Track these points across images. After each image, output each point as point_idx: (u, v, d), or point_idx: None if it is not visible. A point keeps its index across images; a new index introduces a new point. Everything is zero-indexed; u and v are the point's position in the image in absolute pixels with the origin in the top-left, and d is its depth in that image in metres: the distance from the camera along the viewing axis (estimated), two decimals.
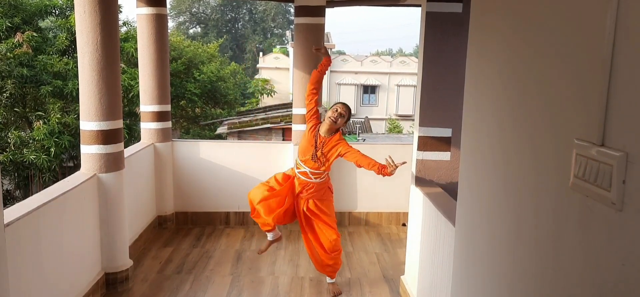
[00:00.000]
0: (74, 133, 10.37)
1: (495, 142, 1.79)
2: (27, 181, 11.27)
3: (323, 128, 3.91)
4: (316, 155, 3.88)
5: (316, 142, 3.89)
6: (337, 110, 3.86)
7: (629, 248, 1.04)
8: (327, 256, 4.09)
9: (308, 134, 3.96)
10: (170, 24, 40.12)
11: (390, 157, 3.69)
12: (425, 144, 3.71)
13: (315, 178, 3.98)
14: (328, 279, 4.27)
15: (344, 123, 3.89)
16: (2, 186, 11.38)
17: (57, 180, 5.54)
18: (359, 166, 3.80)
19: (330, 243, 4.05)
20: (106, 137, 3.91)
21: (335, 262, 4.16)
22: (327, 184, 4.12)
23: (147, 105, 5.43)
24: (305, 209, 4.06)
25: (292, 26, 30.51)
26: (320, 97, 5.71)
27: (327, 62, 3.89)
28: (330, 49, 29.40)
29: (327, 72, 3.98)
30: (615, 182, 1.07)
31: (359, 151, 3.83)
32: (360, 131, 23.40)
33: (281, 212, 4.01)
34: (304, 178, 3.99)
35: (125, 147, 4.37)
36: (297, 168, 4.02)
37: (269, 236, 4.28)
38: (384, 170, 3.67)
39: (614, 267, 1.09)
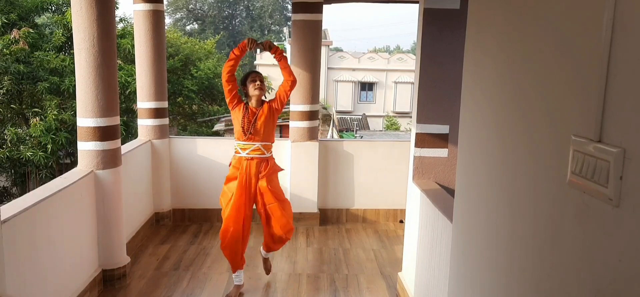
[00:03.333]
0: (71, 130, 10.33)
1: (492, 138, 1.79)
2: (24, 178, 11.24)
3: (253, 103, 4.00)
4: (255, 126, 3.93)
5: (249, 115, 3.95)
6: (256, 80, 4.01)
7: (625, 244, 1.05)
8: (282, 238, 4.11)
9: (238, 114, 3.97)
10: (167, 20, 40.00)
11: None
12: (423, 141, 3.71)
13: (267, 152, 4.00)
14: (266, 253, 4.26)
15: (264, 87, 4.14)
16: None
17: (54, 177, 5.52)
18: (286, 86, 4.05)
19: (286, 225, 4.05)
20: (103, 134, 3.90)
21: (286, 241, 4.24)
22: (274, 162, 4.13)
23: (144, 102, 5.42)
24: (264, 199, 3.99)
25: (289, 23, 30.45)
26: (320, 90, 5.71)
27: (244, 49, 4.00)
28: (328, 45, 29.39)
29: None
30: (612, 178, 1.08)
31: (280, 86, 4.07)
32: (357, 128, 23.41)
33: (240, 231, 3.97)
34: (258, 155, 3.95)
35: (122, 144, 4.36)
36: (244, 151, 3.95)
37: (236, 279, 4.10)
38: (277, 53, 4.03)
39: (610, 262, 1.09)
